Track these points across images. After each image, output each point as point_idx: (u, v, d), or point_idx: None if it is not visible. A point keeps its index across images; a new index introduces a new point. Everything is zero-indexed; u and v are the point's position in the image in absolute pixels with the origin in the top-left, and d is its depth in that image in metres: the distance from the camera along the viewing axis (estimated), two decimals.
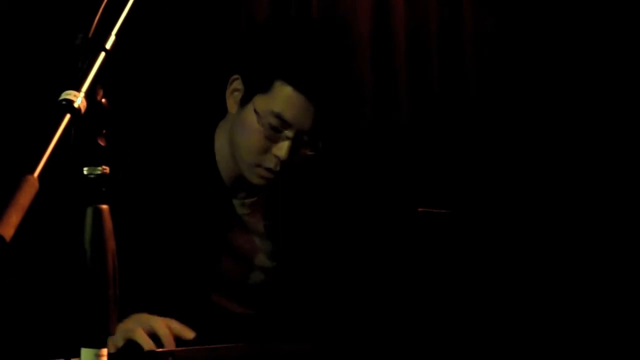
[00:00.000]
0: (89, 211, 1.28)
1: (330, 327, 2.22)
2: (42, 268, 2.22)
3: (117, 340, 1.88)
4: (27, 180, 1.13)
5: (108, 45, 1.30)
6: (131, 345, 1.88)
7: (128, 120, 2.48)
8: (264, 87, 2.10)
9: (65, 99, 1.22)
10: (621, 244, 2.65)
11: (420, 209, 1.95)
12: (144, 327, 1.88)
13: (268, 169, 2.13)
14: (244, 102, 2.14)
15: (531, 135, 2.88)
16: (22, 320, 1.79)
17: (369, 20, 2.82)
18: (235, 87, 2.17)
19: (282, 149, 2.10)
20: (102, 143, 1.30)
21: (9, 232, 1.08)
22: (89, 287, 1.27)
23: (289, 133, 2.10)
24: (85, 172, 1.28)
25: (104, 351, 1.28)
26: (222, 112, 2.25)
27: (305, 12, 2.72)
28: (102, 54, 1.29)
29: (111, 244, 1.28)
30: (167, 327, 1.90)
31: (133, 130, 2.25)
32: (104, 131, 1.31)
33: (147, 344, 1.86)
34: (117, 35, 1.32)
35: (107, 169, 1.29)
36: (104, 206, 1.28)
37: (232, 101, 2.18)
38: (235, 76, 2.17)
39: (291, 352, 1.97)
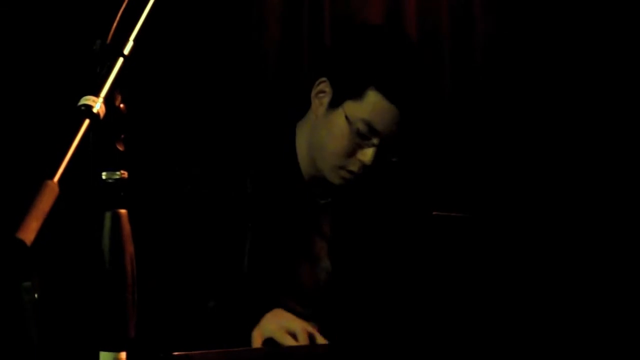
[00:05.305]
0: (108, 216, 1.29)
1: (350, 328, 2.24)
2: (61, 272, 2.23)
3: (255, 339, 2.01)
4: (47, 186, 1.14)
5: (126, 51, 1.32)
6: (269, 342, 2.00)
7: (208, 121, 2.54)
8: (356, 94, 2.15)
9: (84, 105, 1.24)
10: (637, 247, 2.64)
11: (435, 213, 1.95)
12: (284, 328, 2.00)
13: (350, 171, 2.19)
14: (333, 105, 2.18)
15: (548, 137, 2.87)
16: (41, 323, 1.80)
17: (380, 21, 2.82)
18: (322, 89, 2.21)
19: (367, 155, 2.16)
20: (120, 148, 1.31)
21: (29, 236, 1.09)
22: (107, 291, 1.28)
23: (375, 140, 2.16)
24: (104, 177, 1.30)
25: (123, 355, 1.29)
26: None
27: (317, 11, 2.72)
28: (120, 60, 1.31)
29: (130, 248, 1.29)
30: (304, 330, 2.00)
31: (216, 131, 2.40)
32: (123, 136, 1.32)
33: (289, 343, 1.98)
34: (134, 40, 1.33)
35: (125, 174, 1.30)
36: (123, 210, 1.29)
37: (317, 102, 2.22)
38: (323, 79, 2.21)
39: (305, 354, 1.97)
